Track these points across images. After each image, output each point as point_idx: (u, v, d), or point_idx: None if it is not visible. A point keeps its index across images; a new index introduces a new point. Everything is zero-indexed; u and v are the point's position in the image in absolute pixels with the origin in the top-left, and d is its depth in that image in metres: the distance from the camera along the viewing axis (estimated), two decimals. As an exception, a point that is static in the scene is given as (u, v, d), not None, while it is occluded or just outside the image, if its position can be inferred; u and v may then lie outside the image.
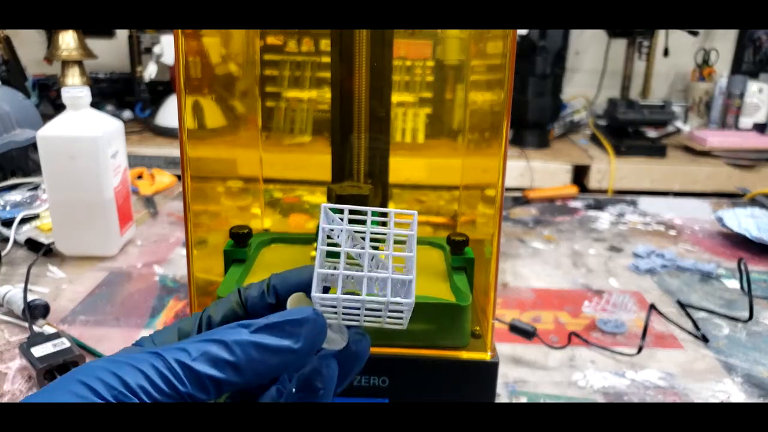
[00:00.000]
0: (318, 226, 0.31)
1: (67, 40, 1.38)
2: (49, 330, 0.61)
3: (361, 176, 0.51)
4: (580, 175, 1.61)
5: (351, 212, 0.31)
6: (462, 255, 0.50)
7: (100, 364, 0.26)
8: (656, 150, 1.67)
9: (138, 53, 1.78)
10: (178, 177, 1.14)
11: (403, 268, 0.31)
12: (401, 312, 0.30)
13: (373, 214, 0.31)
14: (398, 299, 0.29)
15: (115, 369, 0.25)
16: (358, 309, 0.30)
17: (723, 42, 1.96)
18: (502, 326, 0.65)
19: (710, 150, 1.67)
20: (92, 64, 1.58)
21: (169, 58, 1.66)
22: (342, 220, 0.31)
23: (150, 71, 1.69)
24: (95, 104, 0.84)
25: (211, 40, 0.50)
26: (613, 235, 0.98)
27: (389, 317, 0.30)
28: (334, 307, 0.29)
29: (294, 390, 0.31)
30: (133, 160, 1.04)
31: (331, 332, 0.30)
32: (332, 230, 0.31)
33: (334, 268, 0.30)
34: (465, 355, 0.45)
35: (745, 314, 0.71)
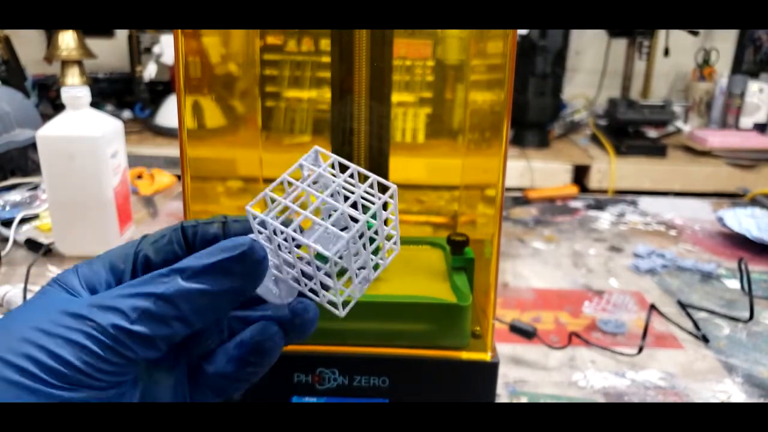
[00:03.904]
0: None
1: (67, 39, 1.38)
2: (48, 330, 0.61)
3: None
4: (580, 175, 1.61)
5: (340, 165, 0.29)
6: (462, 255, 0.50)
7: (19, 333, 0.23)
8: (656, 150, 1.67)
9: (138, 53, 1.78)
10: (178, 177, 1.14)
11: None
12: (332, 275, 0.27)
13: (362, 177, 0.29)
14: (320, 248, 0.26)
15: (42, 341, 0.22)
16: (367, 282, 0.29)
17: (723, 42, 1.96)
18: (503, 326, 0.65)
19: (711, 150, 1.67)
20: (92, 63, 1.58)
21: (168, 58, 1.66)
22: (332, 169, 0.29)
23: (150, 71, 1.69)
24: (95, 104, 0.84)
25: (211, 40, 0.50)
26: (614, 235, 0.98)
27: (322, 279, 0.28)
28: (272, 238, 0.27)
29: (237, 352, 0.28)
30: (133, 160, 1.04)
31: (273, 286, 0.29)
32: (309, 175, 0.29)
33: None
34: (465, 355, 0.45)
35: (746, 314, 0.71)
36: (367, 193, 0.28)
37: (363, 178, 0.29)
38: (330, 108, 0.50)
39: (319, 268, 0.28)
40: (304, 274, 0.28)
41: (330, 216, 0.28)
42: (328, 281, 0.28)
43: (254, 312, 0.30)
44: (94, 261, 0.28)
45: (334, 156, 0.29)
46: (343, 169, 0.29)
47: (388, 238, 0.29)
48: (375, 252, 0.29)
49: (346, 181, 0.29)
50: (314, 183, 0.29)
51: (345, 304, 0.29)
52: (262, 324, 0.28)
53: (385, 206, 0.28)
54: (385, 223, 0.29)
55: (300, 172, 0.29)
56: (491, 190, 0.47)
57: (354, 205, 0.28)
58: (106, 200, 0.78)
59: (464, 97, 0.57)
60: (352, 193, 0.28)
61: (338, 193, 0.29)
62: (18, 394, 0.22)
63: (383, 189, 0.28)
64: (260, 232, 0.28)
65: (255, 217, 0.28)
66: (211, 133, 0.52)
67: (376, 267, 0.30)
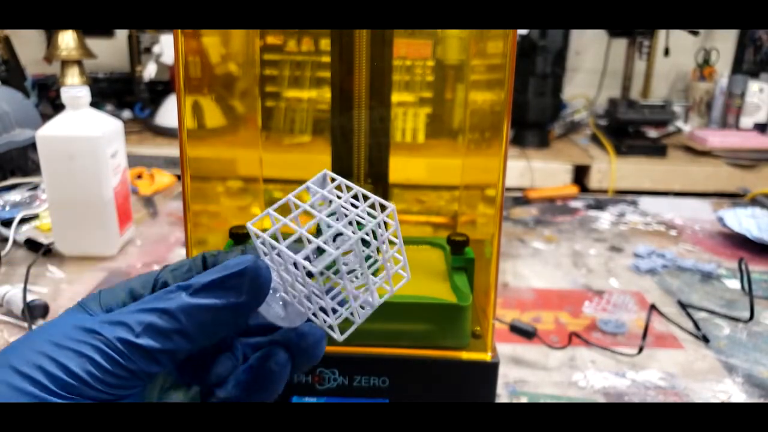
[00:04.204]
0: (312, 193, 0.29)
1: (67, 39, 1.38)
2: (48, 330, 0.61)
3: (361, 176, 0.51)
4: (580, 175, 1.61)
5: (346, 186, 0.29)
6: (462, 255, 0.50)
7: (35, 346, 0.24)
8: (657, 150, 1.67)
9: (137, 53, 1.78)
10: (178, 177, 1.14)
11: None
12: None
13: (364, 197, 0.29)
14: (307, 264, 0.26)
15: (53, 353, 0.24)
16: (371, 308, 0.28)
17: (723, 42, 1.96)
18: (503, 326, 0.65)
19: (711, 150, 1.67)
20: (92, 63, 1.58)
21: (168, 58, 1.66)
22: (337, 191, 0.29)
23: (149, 71, 1.69)
24: (94, 104, 0.84)
25: (211, 40, 0.50)
26: (614, 235, 0.98)
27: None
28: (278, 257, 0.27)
29: (243, 375, 0.29)
30: (133, 160, 1.04)
31: (281, 309, 0.29)
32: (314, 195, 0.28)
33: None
34: (465, 355, 0.45)
35: (746, 314, 0.71)
36: (369, 215, 0.28)
37: (367, 200, 0.28)
38: (330, 108, 0.50)
39: (320, 292, 0.27)
40: (308, 297, 0.28)
41: (335, 238, 0.28)
42: (322, 302, 0.28)
43: (265, 338, 0.31)
44: (116, 286, 0.29)
45: (341, 178, 0.29)
46: (351, 192, 0.29)
47: (395, 263, 0.29)
48: (377, 275, 0.29)
49: (353, 205, 0.28)
50: (320, 205, 0.29)
51: (347, 327, 0.29)
52: (267, 348, 0.29)
53: (386, 227, 0.28)
54: (390, 245, 0.28)
55: (307, 194, 0.29)
56: (491, 190, 0.47)
57: (358, 226, 0.28)
58: (105, 200, 0.78)
59: (464, 97, 0.57)
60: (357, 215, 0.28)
61: (344, 215, 0.28)
62: (26, 401, 0.23)
63: (384, 209, 0.28)
64: (265, 254, 0.28)
65: (258, 237, 0.27)
66: (211, 133, 0.52)
67: (382, 294, 0.29)
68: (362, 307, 0.29)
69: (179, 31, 0.43)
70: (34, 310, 0.64)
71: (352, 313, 0.29)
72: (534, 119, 1.70)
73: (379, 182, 0.53)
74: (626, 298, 0.76)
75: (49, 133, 0.76)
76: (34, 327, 0.62)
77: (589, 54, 2.06)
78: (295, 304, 0.28)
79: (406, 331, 0.45)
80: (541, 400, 0.56)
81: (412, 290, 0.47)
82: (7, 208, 0.94)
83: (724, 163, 1.63)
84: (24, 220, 0.91)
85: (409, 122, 0.59)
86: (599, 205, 1.13)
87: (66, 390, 0.23)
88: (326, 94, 0.51)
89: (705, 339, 0.66)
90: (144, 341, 0.24)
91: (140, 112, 1.80)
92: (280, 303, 0.29)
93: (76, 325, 0.25)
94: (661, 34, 1.80)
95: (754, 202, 1.17)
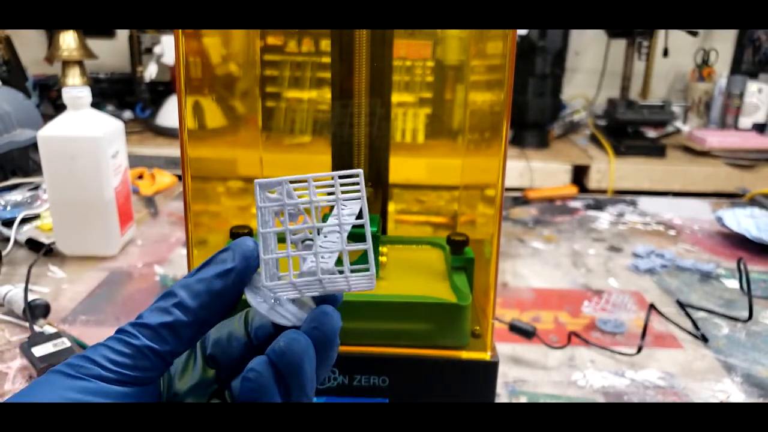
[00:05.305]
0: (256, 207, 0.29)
1: (68, 40, 1.38)
2: (49, 330, 0.61)
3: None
4: (579, 175, 1.61)
5: (292, 183, 0.29)
6: (462, 255, 0.50)
7: (81, 353, 0.27)
8: (656, 150, 1.67)
9: (138, 53, 1.78)
10: (179, 177, 1.14)
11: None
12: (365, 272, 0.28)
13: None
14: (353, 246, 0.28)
15: (86, 352, 0.27)
16: (317, 282, 0.28)
17: (722, 42, 1.96)
18: (502, 326, 0.65)
19: (710, 150, 1.67)
20: (93, 64, 1.58)
21: (169, 58, 1.66)
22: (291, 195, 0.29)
23: (150, 71, 1.69)
24: (96, 104, 0.84)
25: (211, 40, 0.50)
26: (613, 235, 0.98)
27: (353, 280, 0.28)
28: (295, 288, 0.28)
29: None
30: (134, 160, 1.04)
31: (278, 307, 0.29)
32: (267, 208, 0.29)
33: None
34: (465, 355, 0.45)
35: (745, 314, 0.71)
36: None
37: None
38: (330, 108, 0.50)
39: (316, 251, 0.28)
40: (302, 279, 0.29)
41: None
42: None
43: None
44: None
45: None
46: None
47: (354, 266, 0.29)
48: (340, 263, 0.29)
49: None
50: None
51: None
52: (257, 359, 0.28)
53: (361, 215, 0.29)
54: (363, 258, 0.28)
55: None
56: (491, 190, 0.47)
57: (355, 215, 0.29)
58: (106, 200, 0.79)
59: (464, 98, 0.57)
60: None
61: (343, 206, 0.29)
62: (50, 386, 0.25)
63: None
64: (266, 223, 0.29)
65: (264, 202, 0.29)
66: (211, 133, 0.52)
67: (337, 263, 0.29)
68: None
69: (180, 31, 0.43)
70: (35, 310, 0.64)
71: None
72: (533, 119, 1.70)
73: (379, 182, 0.53)
74: (625, 297, 0.76)
75: (51, 134, 0.76)
76: (35, 327, 0.62)
77: (589, 54, 2.06)
78: (290, 294, 0.29)
79: (405, 330, 0.45)
80: (541, 400, 0.56)
81: (412, 290, 0.47)
82: (9, 208, 0.94)
83: (723, 164, 1.63)
84: (25, 220, 0.91)
85: (409, 122, 0.59)
86: (598, 205, 1.13)
87: (82, 373, 0.25)
88: (326, 94, 0.51)
89: (704, 339, 0.66)
90: (148, 319, 0.27)
91: (141, 113, 1.80)
92: (272, 300, 0.29)
93: None
94: (660, 34, 1.80)
95: (753, 202, 1.17)
